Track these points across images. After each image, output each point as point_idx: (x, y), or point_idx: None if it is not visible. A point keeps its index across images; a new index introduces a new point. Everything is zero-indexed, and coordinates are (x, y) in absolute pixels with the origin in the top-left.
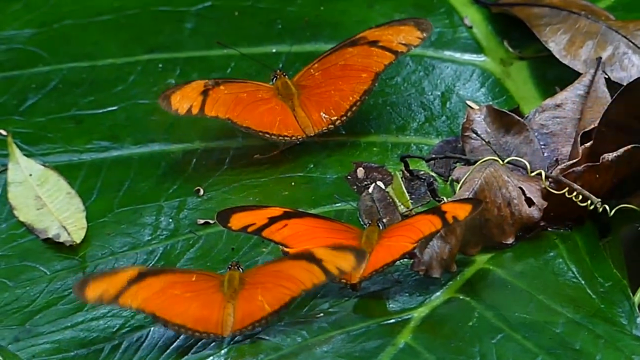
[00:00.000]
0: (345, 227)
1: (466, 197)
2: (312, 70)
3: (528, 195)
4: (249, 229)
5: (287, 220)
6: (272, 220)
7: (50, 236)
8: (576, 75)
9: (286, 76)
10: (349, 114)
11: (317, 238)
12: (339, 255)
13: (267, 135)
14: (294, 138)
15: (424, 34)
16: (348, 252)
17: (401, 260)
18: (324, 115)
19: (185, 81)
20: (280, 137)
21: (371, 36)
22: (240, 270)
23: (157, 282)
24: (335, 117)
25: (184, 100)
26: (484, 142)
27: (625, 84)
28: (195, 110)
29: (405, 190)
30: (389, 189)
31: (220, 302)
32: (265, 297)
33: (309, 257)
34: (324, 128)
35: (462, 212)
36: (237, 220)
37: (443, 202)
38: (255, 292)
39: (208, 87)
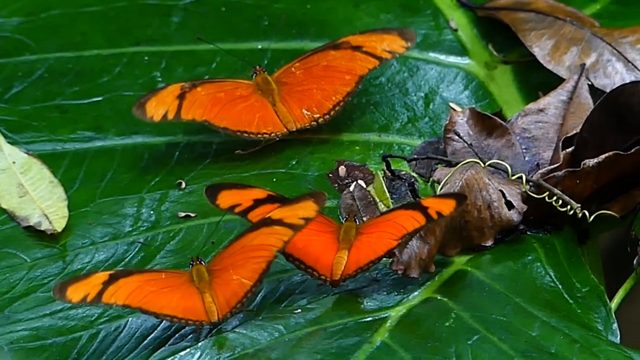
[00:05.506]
0: (324, 219)
1: (449, 192)
2: (293, 69)
3: (508, 199)
4: (236, 210)
5: (271, 204)
6: (257, 202)
7: (31, 224)
8: (560, 80)
9: (265, 72)
10: (331, 112)
11: None
12: (298, 207)
13: (246, 135)
14: (273, 135)
15: (408, 43)
16: (305, 200)
17: None
18: (305, 112)
19: (159, 87)
20: (260, 135)
21: (354, 41)
22: (203, 263)
23: (131, 282)
24: (318, 115)
25: (159, 106)
26: (465, 145)
27: (608, 91)
28: (171, 115)
29: (386, 190)
30: (370, 188)
31: (197, 294)
32: (241, 274)
33: (267, 222)
34: (306, 124)
35: (446, 207)
36: (225, 199)
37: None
38: (227, 274)
39: (185, 90)
